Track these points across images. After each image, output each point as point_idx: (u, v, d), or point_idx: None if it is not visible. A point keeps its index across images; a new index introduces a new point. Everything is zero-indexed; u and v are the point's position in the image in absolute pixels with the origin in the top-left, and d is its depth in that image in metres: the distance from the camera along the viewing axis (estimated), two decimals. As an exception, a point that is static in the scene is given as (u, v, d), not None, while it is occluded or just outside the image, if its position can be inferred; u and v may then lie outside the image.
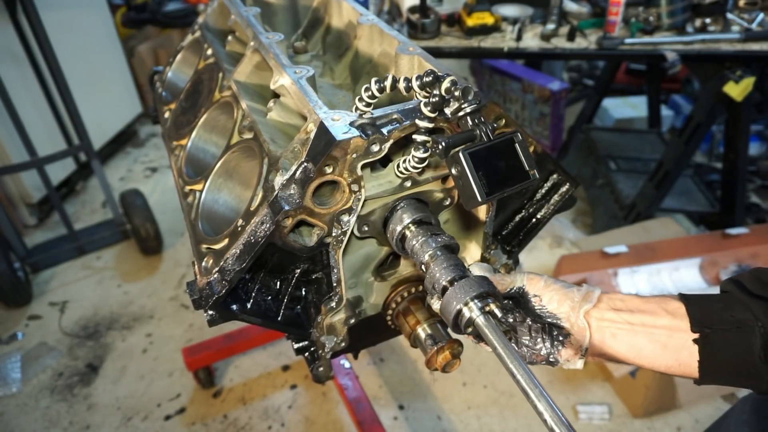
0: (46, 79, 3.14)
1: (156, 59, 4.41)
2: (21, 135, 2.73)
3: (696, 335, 0.70)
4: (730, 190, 2.83)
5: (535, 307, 0.79)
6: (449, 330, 0.80)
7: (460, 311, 0.73)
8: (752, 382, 0.69)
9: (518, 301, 0.82)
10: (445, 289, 0.77)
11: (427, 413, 2.30)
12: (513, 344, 0.77)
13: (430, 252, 0.84)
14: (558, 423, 0.59)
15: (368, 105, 0.82)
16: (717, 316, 0.70)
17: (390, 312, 1.04)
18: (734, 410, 1.11)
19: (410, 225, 0.89)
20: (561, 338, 0.77)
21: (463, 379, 2.41)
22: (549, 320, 0.78)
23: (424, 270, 0.83)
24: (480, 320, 0.71)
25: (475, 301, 0.72)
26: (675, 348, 0.72)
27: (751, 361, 0.67)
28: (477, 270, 0.84)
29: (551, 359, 0.78)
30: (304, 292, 1.00)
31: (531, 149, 0.86)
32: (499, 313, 0.72)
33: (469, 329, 0.73)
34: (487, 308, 0.72)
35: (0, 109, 2.69)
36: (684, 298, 0.74)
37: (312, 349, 1.06)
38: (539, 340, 0.78)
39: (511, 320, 0.79)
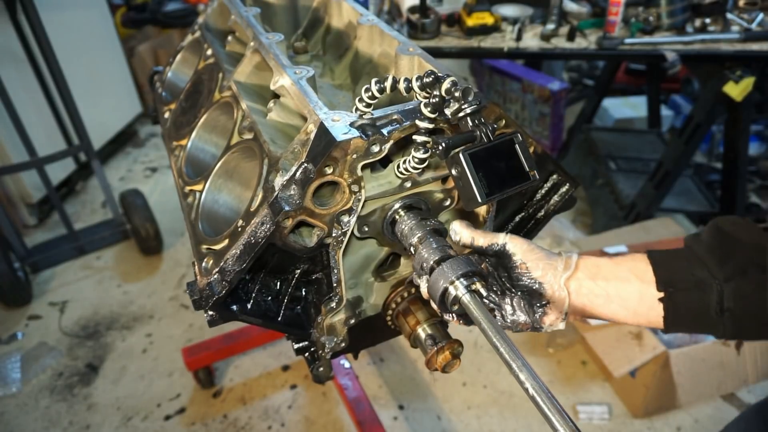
0: (46, 79, 3.15)
1: (156, 59, 4.41)
2: (21, 135, 2.73)
3: (661, 294, 0.78)
4: (730, 190, 2.83)
5: (521, 274, 0.82)
6: (436, 308, 0.83)
7: (446, 289, 0.76)
8: (710, 331, 0.78)
9: (500, 259, 0.84)
10: (432, 269, 0.80)
11: (427, 413, 2.30)
12: (499, 317, 0.82)
13: (420, 234, 0.87)
14: (539, 392, 0.62)
15: (368, 105, 0.82)
16: (679, 275, 0.78)
17: (390, 312, 1.04)
18: (741, 417, 1.15)
19: (400, 210, 0.92)
20: (542, 306, 0.82)
21: (463, 379, 2.41)
22: (530, 285, 0.82)
23: (413, 252, 0.86)
24: (466, 298, 0.75)
25: (461, 279, 0.76)
26: (644, 311, 0.80)
27: (708, 314, 0.77)
28: (458, 225, 0.87)
29: (536, 326, 0.83)
30: (304, 293, 1.00)
31: (531, 150, 0.87)
32: (484, 292, 0.77)
33: (455, 307, 0.77)
34: (473, 287, 0.76)
35: (0, 109, 2.69)
36: (651, 257, 0.81)
37: (312, 349, 1.06)
38: (523, 310, 0.82)
39: (494, 297, 0.81)
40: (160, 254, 3.20)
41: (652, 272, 0.79)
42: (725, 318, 0.76)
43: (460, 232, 0.86)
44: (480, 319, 0.72)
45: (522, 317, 0.82)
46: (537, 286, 0.81)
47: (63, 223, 3.09)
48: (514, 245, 0.82)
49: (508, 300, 0.83)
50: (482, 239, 0.84)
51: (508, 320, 0.82)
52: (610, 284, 0.80)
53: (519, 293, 0.82)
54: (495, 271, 0.84)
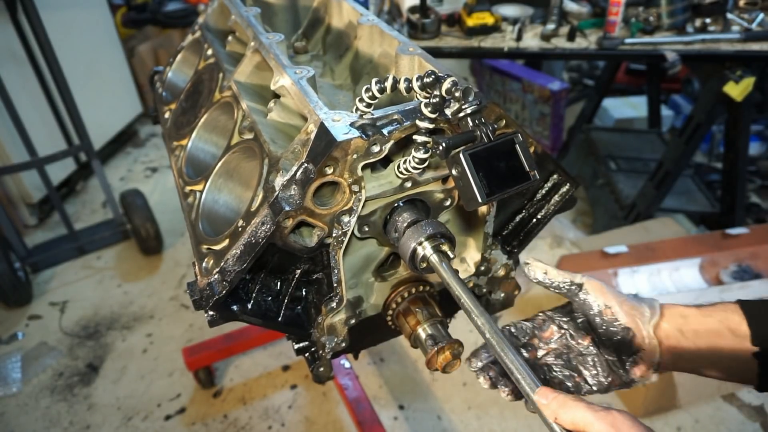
0: (46, 79, 3.14)
1: (156, 59, 4.41)
2: (21, 135, 2.73)
3: (756, 349, 0.71)
4: (730, 190, 2.83)
5: (607, 321, 0.77)
6: (409, 266, 0.87)
7: (415, 249, 0.84)
8: None
9: (578, 308, 0.81)
10: (404, 232, 0.87)
11: (427, 413, 2.30)
12: (584, 381, 0.80)
13: (394, 205, 0.93)
14: (492, 334, 0.71)
15: (369, 105, 0.82)
16: None
17: (390, 312, 1.04)
18: None
19: None
20: (633, 355, 0.77)
21: (463, 379, 2.41)
22: (620, 333, 0.77)
23: (388, 218, 0.94)
24: (433, 258, 0.82)
25: (429, 240, 0.83)
26: (739, 369, 0.73)
27: None
28: (533, 259, 0.84)
29: (625, 380, 0.79)
30: (304, 293, 1.00)
31: (531, 150, 0.86)
32: (450, 253, 0.83)
33: (424, 264, 0.84)
34: (442, 247, 0.83)
35: (0, 109, 2.69)
36: (744, 309, 0.73)
37: (312, 349, 1.06)
38: (606, 368, 0.79)
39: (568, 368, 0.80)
40: (160, 254, 3.20)
41: (747, 324, 0.72)
42: None
43: (534, 264, 0.81)
44: (445, 275, 0.80)
45: (608, 377, 0.78)
46: (627, 333, 0.76)
47: (63, 223, 3.09)
48: (593, 287, 0.78)
49: (589, 362, 0.79)
50: (555, 273, 0.80)
51: (590, 383, 0.79)
52: (700, 338, 0.74)
53: (600, 350, 0.78)
54: (568, 330, 0.81)
